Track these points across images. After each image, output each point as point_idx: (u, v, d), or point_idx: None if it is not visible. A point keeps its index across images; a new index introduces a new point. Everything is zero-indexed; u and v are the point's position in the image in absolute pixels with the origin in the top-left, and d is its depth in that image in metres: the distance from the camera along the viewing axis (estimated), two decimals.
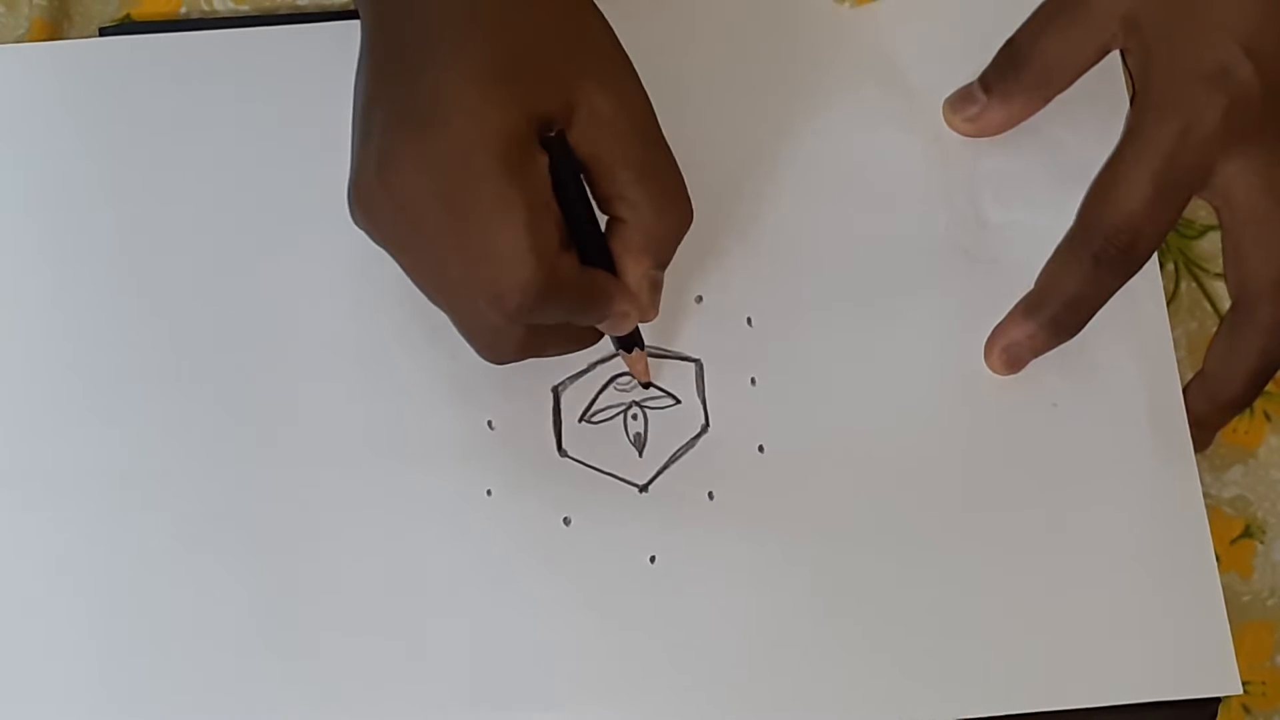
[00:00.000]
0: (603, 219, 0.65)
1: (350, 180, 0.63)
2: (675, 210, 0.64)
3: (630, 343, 0.67)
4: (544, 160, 0.62)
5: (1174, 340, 0.70)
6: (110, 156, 0.72)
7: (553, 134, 0.62)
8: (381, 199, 0.61)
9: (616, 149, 0.62)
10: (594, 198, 0.64)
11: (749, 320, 0.71)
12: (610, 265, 0.64)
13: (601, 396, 0.70)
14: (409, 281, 0.66)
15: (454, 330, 0.66)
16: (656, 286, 0.65)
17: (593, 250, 0.64)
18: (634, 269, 0.64)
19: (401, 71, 0.62)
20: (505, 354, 0.64)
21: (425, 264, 0.62)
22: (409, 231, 0.62)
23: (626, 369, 0.70)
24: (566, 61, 0.62)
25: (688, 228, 0.65)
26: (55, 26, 0.75)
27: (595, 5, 0.64)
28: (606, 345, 0.69)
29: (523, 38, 0.61)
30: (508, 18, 0.62)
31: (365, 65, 0.64)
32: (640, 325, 0.67)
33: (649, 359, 0.69)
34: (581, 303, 0.63)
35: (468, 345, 0.65)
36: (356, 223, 0.63)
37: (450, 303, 0.63)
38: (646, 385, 0.69)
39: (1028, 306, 0.69)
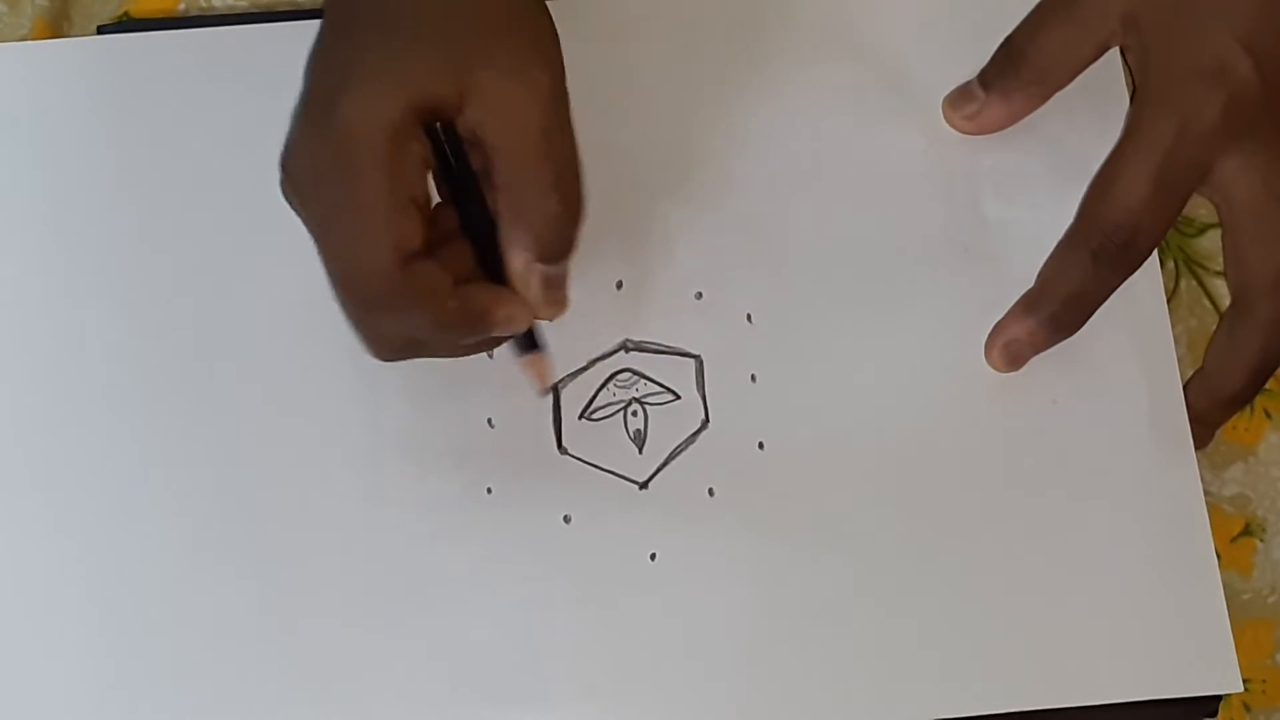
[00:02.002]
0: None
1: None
2: (557, 202, 0.62)
3: (527, 343, 0.65)
4: (419, 151, 0.60)
5: (1174, 338, 0.70)
6: (110, 154, 0.71)
7: (438, 124, 0.61)
8: (286, 177, 0.61)
9: (502, 136, 0.61)
10: (485, 192, 0.62)
11: (749, 316, 0.70)
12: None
13: (601, 394, 0.69)
14: None
15: None
16: (550, 282, 0.63)
17: (486, 249, 0.63)
18: (516, 262, 0.62)
19: (323, 52, 0.62)
20: (383, 349, 0.63)
21: (317, 245, 0.62)
22: (300, 211, 0.62)
23: (626, 366, 0.69)
24: (463, 49, 0.61)
25: (577, 222, 0.63)
26: (56, 26, 0.75)
27: None
28: (605, 342, 0.69)
29: (428, 24, 0.61)
30: (422, 6, 0.61)
31: (313, 46, 0.63)
32: (636, 315, 0.66)
33: (649, 355, 0.69)
34: (451, 319, 0.62)
35: None
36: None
37: (331, 287, 0.62)
38: (544, 393, 0.67)
39: (1028, 304, 0.68)
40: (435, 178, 0.63)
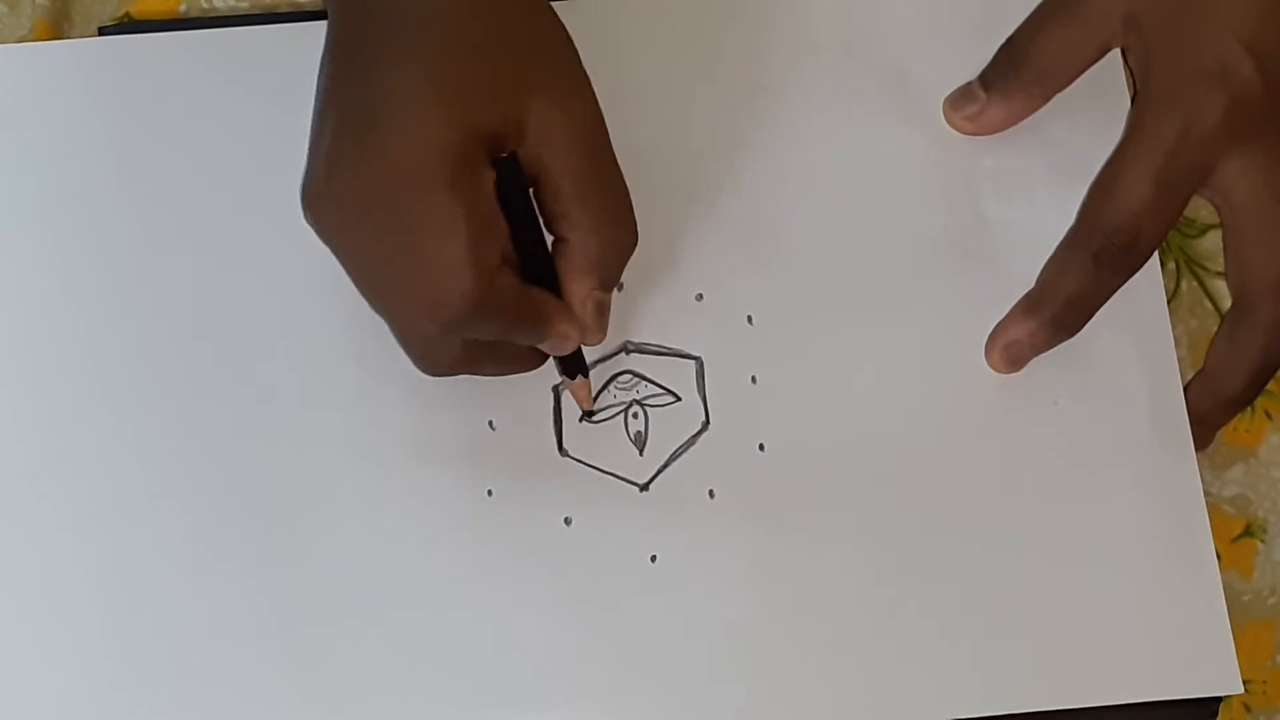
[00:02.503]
0: (551, 239, 0.64)
1: (304, 180, 0.62)
2: (618, 231, 0.64)
3: (573, 368, 0.66)
4: (490, 175, 0.61)
5: (1175, 339, 0.70)
6: (111, 155, 0.71)
7: (504, 155, 0.61)
8: (326, 200, 0.61)
9: (562, 167, 0.62)
10: (541, 215, 0.63)
11: (749, 318, 0.70)
12: (557, 287, 0.64)
13: (602, 395, 0.69)
14: None
15: None
16: (601, 309, 0.64)
17: (539, 270, 0.63)
18: (577, 289, 0.63)
19: (356, 71, 0.61)
20: (439, 366, 0.64)
21: (364, 268, 0.62)
22: (350, 235, 0.61)
23: (627, 368, 0.69)
24: (516, 75, 0.61)
25: (631, 249, 0.64)
26: (57, 27, 0.74)
27: (553, 13, 0.63)
28: (605, 344, 0.68)
29: (475, 46, 0.61)
30: (463, 24, 0.61)
31: (326, 62, 0.63)
32: (636, 317, 0.67)
33: (649, 357, 0.69)
34: (519, 321, 0.63)
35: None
36: (307, 221, 0.62)
37: (386, 309, 0.62)
38: (588, 415, 0.68)
39: (1028, 305, 0.68)
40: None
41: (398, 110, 0.59)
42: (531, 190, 0.63)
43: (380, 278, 0.61)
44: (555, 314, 0.63)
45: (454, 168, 0.59)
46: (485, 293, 0.60)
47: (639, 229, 0.68)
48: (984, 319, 0.69)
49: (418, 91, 0.59)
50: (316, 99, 0.63)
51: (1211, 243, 0.72)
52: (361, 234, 0.61)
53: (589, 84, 0.63)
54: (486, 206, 0.61)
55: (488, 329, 0.62)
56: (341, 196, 0.60)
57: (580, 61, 0.63)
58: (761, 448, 0.68)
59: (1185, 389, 0.69)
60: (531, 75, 0.61)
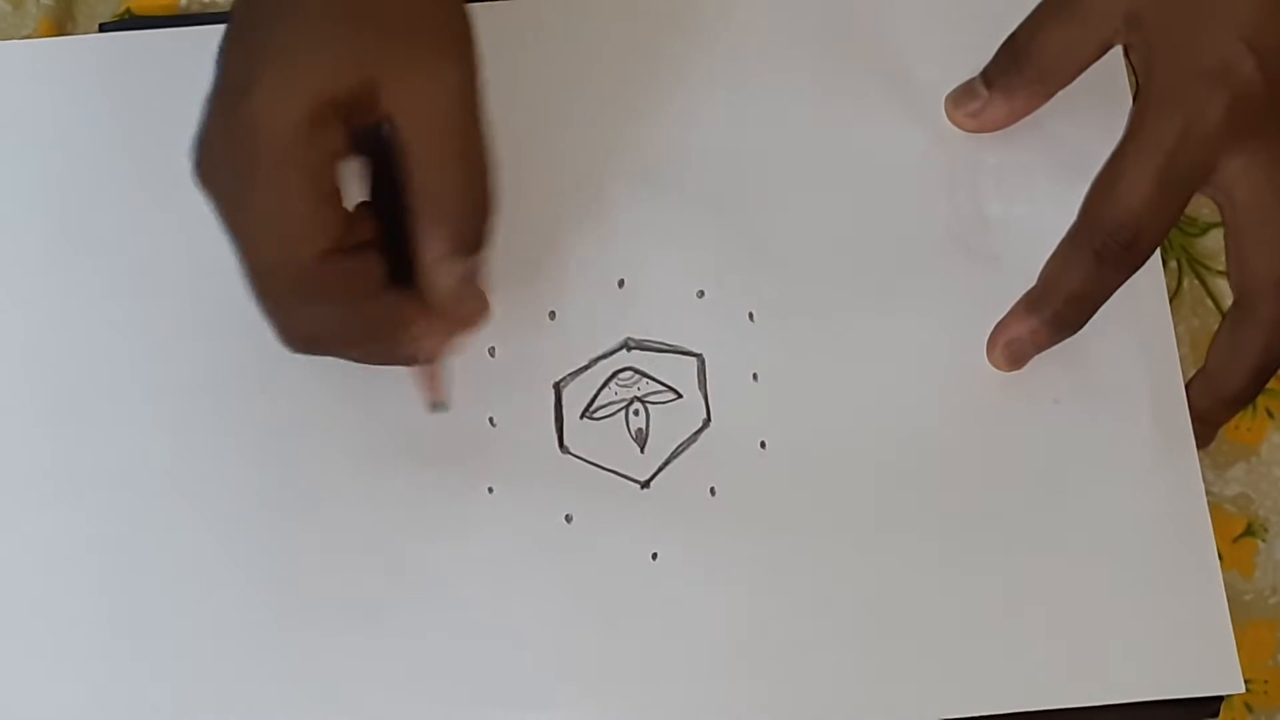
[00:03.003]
0: None
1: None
2: (469, 193, 0.61)
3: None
4: (331, 146, 0.60)
5: (1176, 337, 0.69)
6: (113, 152, 0.71)
7: (368, 125, 0.61)
8: (196, 157, 0.61)
9: (413, 128, 0.61)
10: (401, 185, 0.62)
11: (750, 315, 0.70)
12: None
13: (603, 392, 0.69)
14: None
15: None
16: (464, 278, 0.62)
17: (403, 257, 0.62)
18: (425, 254, 0.61)
19: (242, 27, 0.61)
20: (291, 340, 0.62)
21: (224, 227, 0.61)
22: (211, 200, 0.61)
23: (628, 365, 0.69)
24: (374, 40, 0.60)
25: (487, 214, 0.62)
26: (60, 26, 0.74)
27: None
28: (607, 341, 0.69)
29: (341, 10, 0.60)
30: None
31: (230, 14, 0.63)
32: (637, 313, 0.67)
33: (650, 354, 0.69)
34: (369, 322, 0.62)
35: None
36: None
37: (242, 273, 0.62)
38: (435, 409, 0.66)
39: (1030, 302, 0.68)
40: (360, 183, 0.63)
41: (259, 72, 0.59)
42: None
43: (236, 244, 0.61)
44: (416, 316, 0.62)
45: (297, 137, 0.59)
46: (319, 269, 0.60)
47: (642, 225, 0.68)
48: (985, 317, 0.68)
49: (277, 56, 0.59)
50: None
51: (1213, 241, 0.71)
52: (221, 200, 0.61)
53: (465, 52, 0.61)
54: (328, 181, 0.60)
55: (326, 317, 0.61)
56: (206, 163, 0.61)
57: (465, 32, 0.61)
58: (763, 445, 0.68)
59: (1186, 387, 0.69)
60: (392, 42, 0.60)
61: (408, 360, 0.64)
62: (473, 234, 0.62)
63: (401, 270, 0.62)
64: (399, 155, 0.61)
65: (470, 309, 0.63)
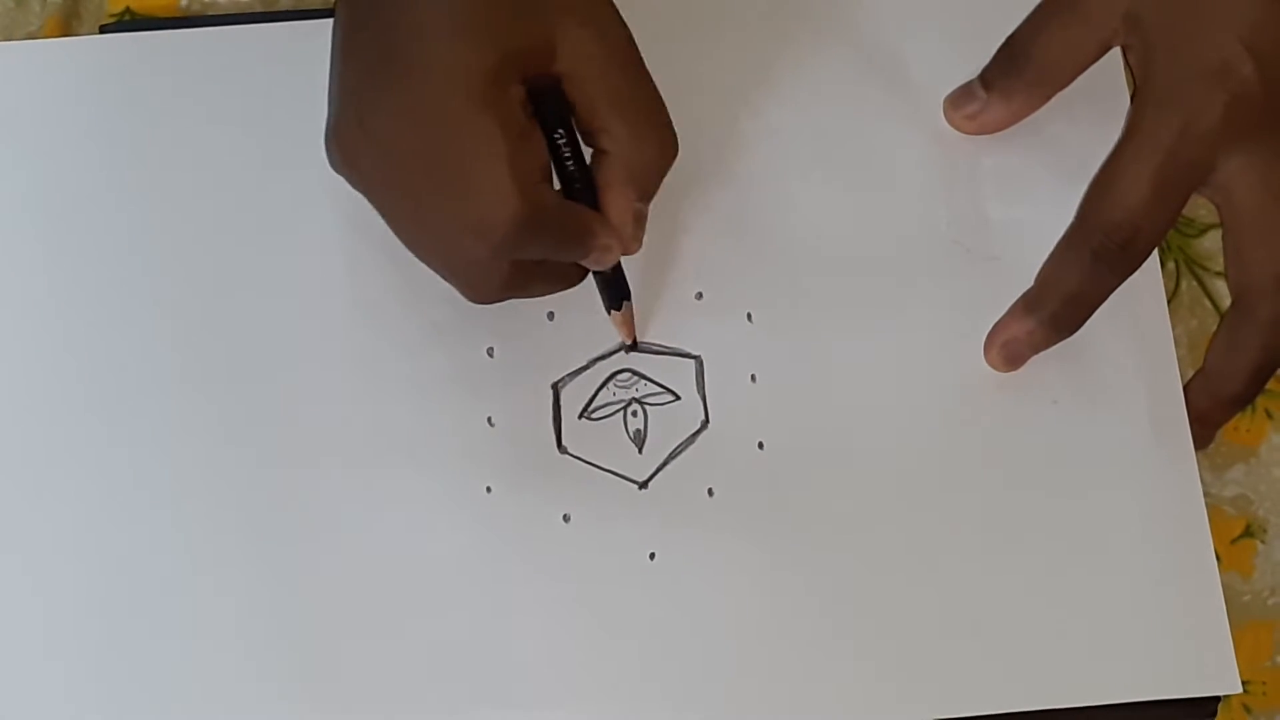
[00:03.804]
0: (590, 155, 0.64)
1: (329, 127, 0.62)
2: (656, 140, 0.64)
3: (617, 294, 0.66)
4: (519, 94, 0.61)
5: (1174, 338, 0.69)
6: (113, 153, 0.70)
7: (537, 76, 0.62)
8: (362, 144, 0.61)
9: (597, 82, 0.62)
10: (580, 133, 0.64)
11: (749, 316, 0.69)
12: (595, 204, 0.64)
13: (601, 393, 0.68)
14: (409, 279, 0.66)
15: (454, 327, 0.66)
16: (640, 219, 0.64)
17: (579, 188, 0.64)
18: (617, 200, 0.64)
19: (377, 16, 0.61)
20: (490, 292, 0.64)
21: (407, 206, 0.62)
22: (390, 175, 0.61)
23: (626, 366, 0.68)
24: None
25: (672, 159, 0.64)
26: (66, 25, 0.74)
27: None
28: (605, 342, 0.68)
29: None
30: None
31: (340, 8, 0.63)
32: (639, 320, 0.67)
33: (649, 355, 0.68)
34: (564, 235, 0.63)
35: (461, 332, 0.65)
36: (336, 169, 0.63)
37: (433, 243, 0.63)
38: (632, 345, 0.68)
39: (1027, 303, 0.67)
40: None
41: (424, 43, 0.60)
42: (570, 111, 0.63)
43: (424, 214, 0.62)
44: (598, 227, 0.64)
45: (485, 90, 0.60)
46: (530, 209, 0.61)
47: None
48: (983, 318, 0.68)
49: (441, 21, 0.60)
50: (333, 47, 0.63)
51: (1211, 242, 0.71)
52: (402, 173, 0.61)
53: (614, 4, 0.63)
54: (522, 124, 0.61)
55: (536, 247, 0.62)
56: (377, 136, 0.61)
57: None
58: (760, 446, 0.68)
59: (1185, 388, 0.68)
60: (561, 2, 0.62)
61: (571, 281, 0.66)
62: (657, 181, 0.65)
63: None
64: (580, 109, 0.63)
65: (638, 245, 0.65)
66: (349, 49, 0.62)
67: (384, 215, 0.63)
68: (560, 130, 0.63)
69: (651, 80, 0.64)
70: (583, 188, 0.64)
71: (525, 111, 0.62)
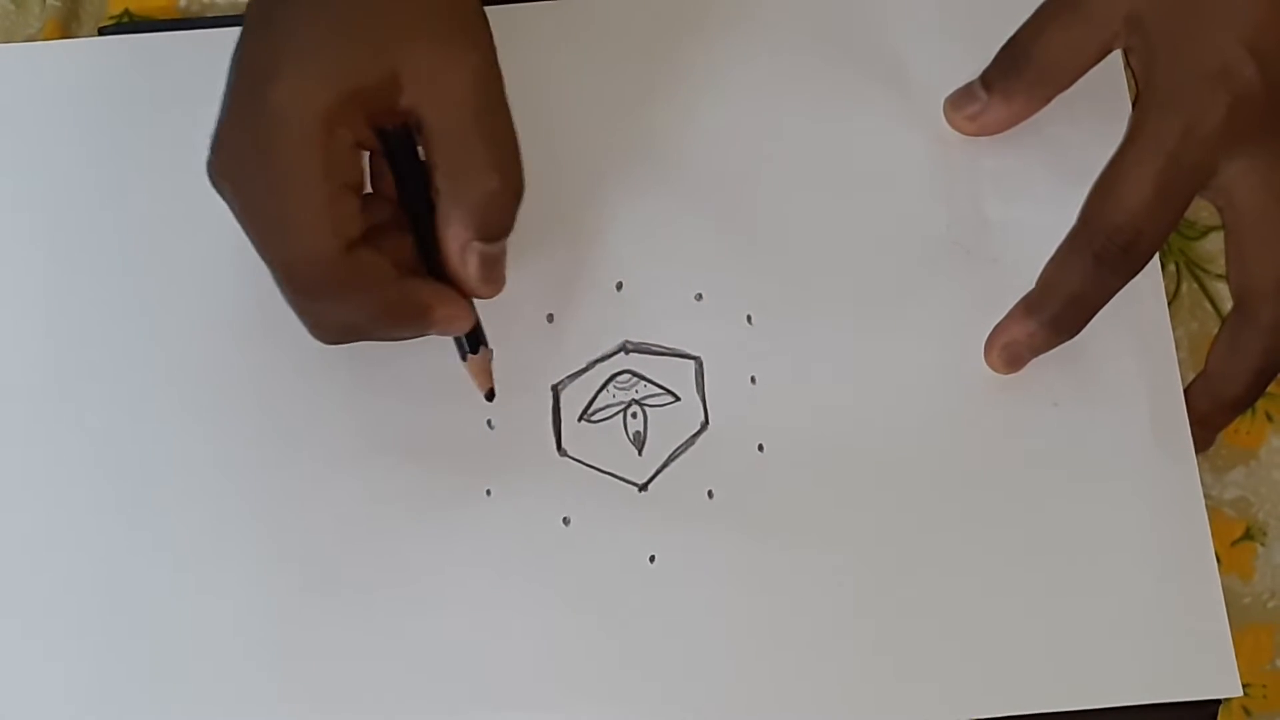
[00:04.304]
0: None
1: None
2: (494, 177, 0.61)
3: (473, 340, 0.65)
4: (352, 139, 0.60)
5: (1175, 340, 0.68)
6: (112, 155, 0.70)
7: (392, 114, 0.61)
8: (217, 153, 0.61)
9: (437, 115, 0.60)
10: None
11: (749, 318, 0.69)
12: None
13: (601, 395, 0.68)
14: None
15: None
16: (488, 260, 0.62)
17: (428, 244, 0.62)
18: (451, 242, 0.62)
19: (261, 23, 0.61)
20: (325, 334, 0.62)
21: (244, 225, 0.61)
22: (231, 199, 0.61)
23: (626, 368, 0.68)
24: (392, 27, 0.60)
25: (515, 195, 0.62)
26: (66, 27, 0.73)
27: None
28: (605, 344, 0.68)
29: (356, 4, 0.60)
30: None
31: (247, 12, 0.63)
32: (636, 316, 0.66)
33: (648, 357, 0.68)
34: (389, 308, 0.61)
35: None
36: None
37: (268, 267, 0.61)
38: (489, 396, 0.66)
39: (1028, 305, 0.67)
40: (379, 174, 0.63)
41: (282, 67, 0.59)
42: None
43: (259, 243, 0.61)
44: (435, 301, 0.62)
45: (322, 130, 0.59)
46: (344, 261, 0.59)
47: (641, 226, 0.68)
48: (984, 319, 0.68)
49: (299, 50, 0.59)
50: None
51: (1212, 244, 0.70)
52: (242, 199, 0.60)
53: (482, 39, 0.61)
54: (348, 172, 0.60)
55: (353, 308, 0.61)
56: (225, 162, 0.60)
57: (479, 19, 0.61)
58: (761, 448, 0.67)
59: (1186, 391, 0.68)
60: (411, 32, 0.60)
61: (433, 331, 0.64)
62: (500, 220, 0.62)
63: (425, 255, 0.62)
64: (425, 145, 0.61)
65: (490, 289, 0.63)
66: (235, 57, 0.61)
67: None
68: (410, 172, 0.62)
69: (502, 112, 0.61)
70: (429, 237, 0.62)
71: (358, 160, 0.60)
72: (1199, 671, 0.65)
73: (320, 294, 0.60)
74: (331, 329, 0.62)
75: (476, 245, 0.61)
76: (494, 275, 0.63)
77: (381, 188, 0.63)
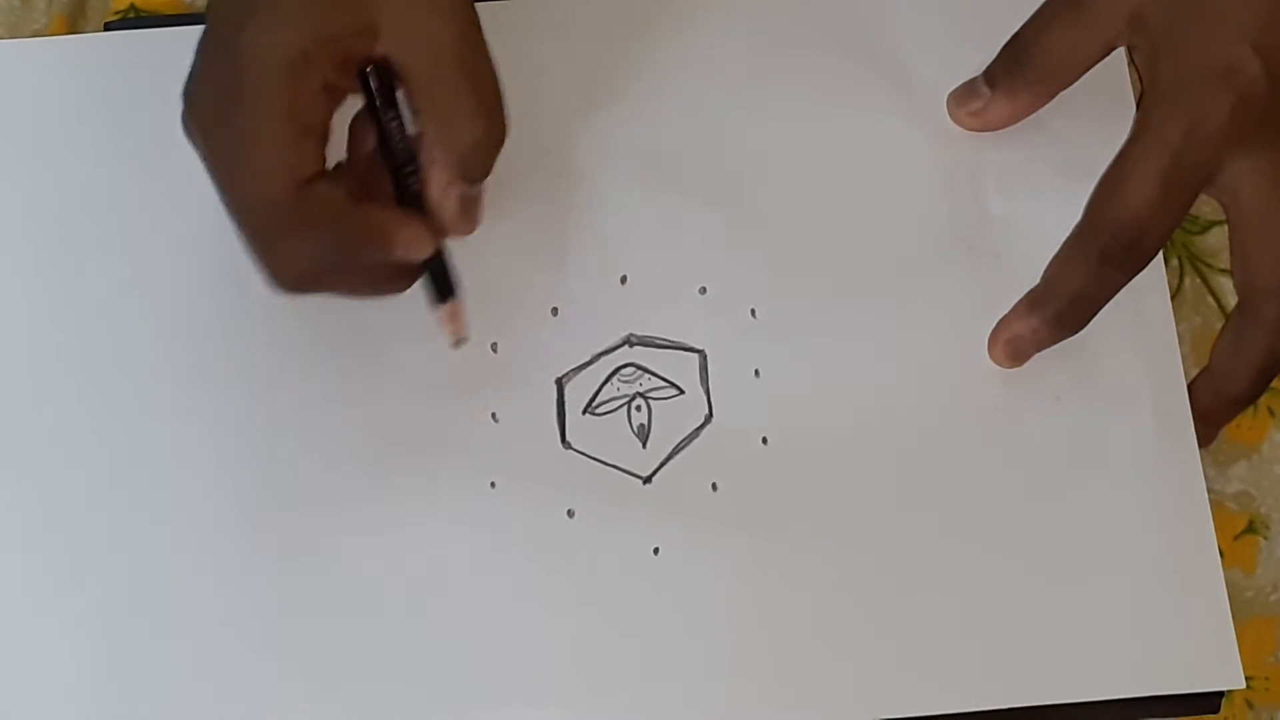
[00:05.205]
0: None
1: None
2: (479, 120, 0.61)
3: (441, 288, 0.64)
4: (321, 82, 0.60)
5: (1178, 336, 0.68)
6: (118, 150, 0.70)
7: (367, 61, 0.61)
8: (189, 95, 0.61)
9: (419, 59, 0.61)
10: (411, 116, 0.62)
11: (753, 311, 0.68)
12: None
13: (605, 388, 0.67)
14: None
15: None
16: (468, 203, 0.63)
17: (410, 173, 0.62)
18: (433, 183, 0.62)
19: None
20: (284, 280, 0.62)
21: (208, 166, 0.61)
22: (198, 143, 0.61)
23: (630, 361, 0.67)
24: None
25: (499, 139, 0.62)
26: (73, 22, 0.73)
27: None
28: (609, 337, 0.67)
29: None
30: None
31: None
32: (640, 310, 0.66)
33: (653, 350, 0.67)
34: (348, 237, 0.61)
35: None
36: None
37: (230, 217, 0.61)
38: (456, 343, 0.65)
39: (1032, 301, 0.66)
40: (364, 118, 0.63)
41: (241, 22, 0.59)
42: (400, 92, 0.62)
43: (218, 183, 0.61)
44: (395, 226, 0.62)
45: (289, 73, 0.59)
46: (294, 201, 0.59)
47: (644, 222, 0.67)
48: (987, 314, 0.67)
49: (261, 3, 0.59)
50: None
51: (1215, 239, 0.70)
52: (208, 141, 0.60)
53: None
54: (312, 115, 0.60)
55: (311, 243, 0.60)
56: (196, 104, 0.61)
57: None
58: (764, 441, 0.67)
59: (1189, 387, 0.67)
60: None
61: (396, 280, 0.64)
62: (482, 162, 0.62)
63: (399, 190, 0.62)
64: (407, 90, 0.61)
65: (467, 226, 0.63)
66: (210, 6, 0.62)
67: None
68: (390, 113, 0.62)
69: (485, 58, 0.61)
70: (412, 173, 0.62)
71: (324, 102, 0.60)
72: (1202, 664, 0.64)
73: (276, 233, 0.60)
74: (290, 272, 0.61)
75: (457, 187, 0.62)
76: (473, 214, 0.63)
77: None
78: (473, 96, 0.61)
